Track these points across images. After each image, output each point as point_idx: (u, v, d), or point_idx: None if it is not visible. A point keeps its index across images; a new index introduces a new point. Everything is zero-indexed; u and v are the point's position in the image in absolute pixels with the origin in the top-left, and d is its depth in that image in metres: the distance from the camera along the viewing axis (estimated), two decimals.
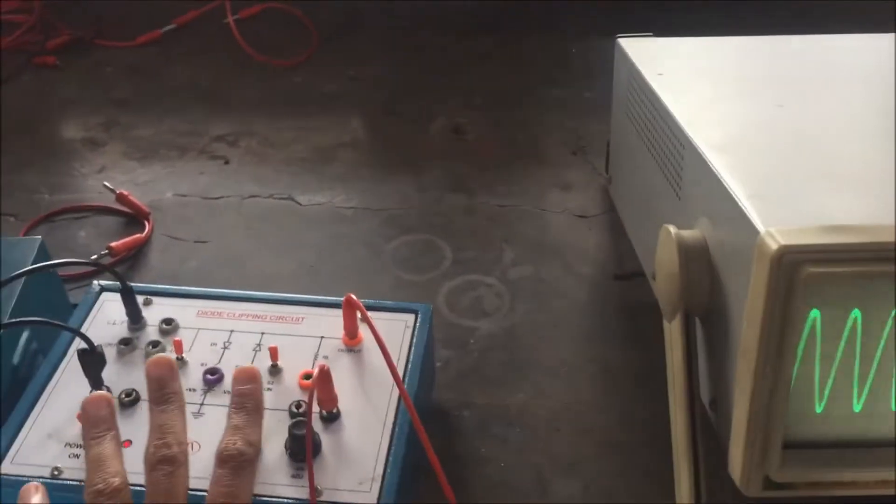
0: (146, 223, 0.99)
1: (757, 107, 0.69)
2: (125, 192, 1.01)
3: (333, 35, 1.43)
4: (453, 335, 0.83)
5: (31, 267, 0.68)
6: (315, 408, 0.63)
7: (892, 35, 0.80)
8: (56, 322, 0.60)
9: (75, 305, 0.81)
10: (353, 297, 0.66)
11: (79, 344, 0.64)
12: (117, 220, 1.02)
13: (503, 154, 1.13)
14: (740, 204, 0.52)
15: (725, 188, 0.54)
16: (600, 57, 1.33)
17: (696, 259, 0.56)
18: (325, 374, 0.60)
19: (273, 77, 1.33)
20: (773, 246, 0.46)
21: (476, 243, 0.96)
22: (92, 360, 0.62)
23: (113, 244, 0.93)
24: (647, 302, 0.87)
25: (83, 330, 0.69)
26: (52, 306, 0.77)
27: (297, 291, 0.89)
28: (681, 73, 0.78)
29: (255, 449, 0.47)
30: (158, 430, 0.46)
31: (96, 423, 0.46)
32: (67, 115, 1.25)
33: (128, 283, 0.69)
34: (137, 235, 0.96)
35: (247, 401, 0.49)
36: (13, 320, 0.67)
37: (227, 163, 1.12)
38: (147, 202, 1.02)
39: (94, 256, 0.91)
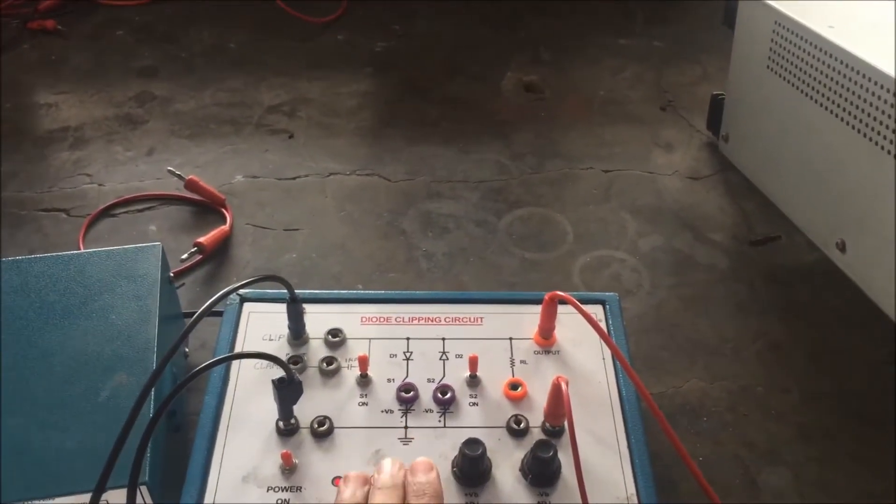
0: (224, 212, 0.88)
1: None
2: (195, 178, 0.89)
3: None
4: None
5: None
6: (537, 420, 0.57)
7: None
8: (270, 355, 0.52)
9: (186, 314, 0.73)
10: (561, 292, 0.59)
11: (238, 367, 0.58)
12: (187, 210, 0.90)
13: (588, 113, 1.06)
14: None
15: None
16: (660, 2, 1.27)
17: None
18: (564, 386, 0.54)
19: (310, 35, 1.21)
20: None
21: (593, 214, 0.89)
22: (290, 391, 0.54)
23: (202, 240, 0.82)
24: (792, 267, 0.83)
25: (237, 349, 0.61)
26: (170, 320, 0.68)
27: (420, 279, 0.82)
28: (853, 25, 0.72)
29: None
30: None
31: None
32: (87, 89, 1.10)
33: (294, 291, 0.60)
34: (221, 227, 0.86)
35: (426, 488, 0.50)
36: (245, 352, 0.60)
37: (291, 137, 1.01)
38: (216, 187, 0.91)
39: (183, 256, 0.81)
